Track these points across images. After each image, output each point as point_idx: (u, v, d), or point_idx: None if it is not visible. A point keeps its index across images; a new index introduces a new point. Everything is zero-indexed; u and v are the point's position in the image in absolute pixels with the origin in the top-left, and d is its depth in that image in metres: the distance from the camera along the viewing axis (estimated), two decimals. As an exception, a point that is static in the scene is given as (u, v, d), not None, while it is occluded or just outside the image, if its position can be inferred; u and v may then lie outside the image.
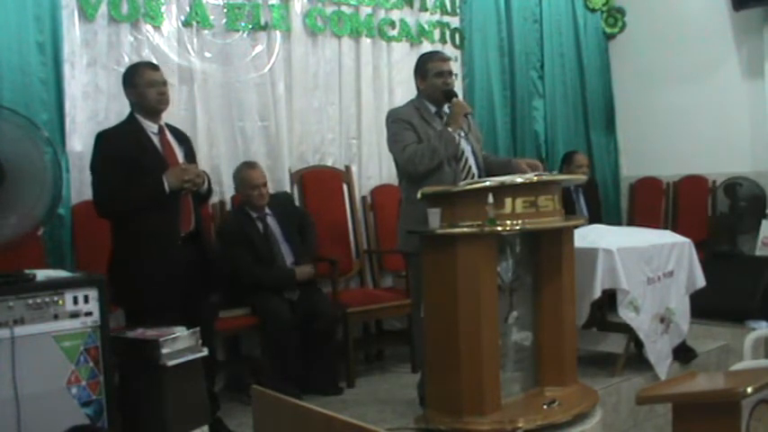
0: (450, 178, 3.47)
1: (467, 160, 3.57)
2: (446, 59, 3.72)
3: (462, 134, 3.51)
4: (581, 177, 4.45)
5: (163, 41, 4.26)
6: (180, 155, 3.47)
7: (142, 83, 3.37)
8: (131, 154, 3.29)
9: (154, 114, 3.42)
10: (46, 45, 3.80)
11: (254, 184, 4.10)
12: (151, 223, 3.27)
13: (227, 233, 4.14)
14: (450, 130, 3.46)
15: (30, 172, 3.33)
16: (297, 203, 4.56)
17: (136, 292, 3.27)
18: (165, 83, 3.45)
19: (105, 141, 3.34)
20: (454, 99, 3.54)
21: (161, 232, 3.29)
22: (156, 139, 3.40)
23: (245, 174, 4.14)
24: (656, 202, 6.14)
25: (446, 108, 3.60)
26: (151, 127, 3.41)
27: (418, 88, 3.68)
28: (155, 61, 4.09)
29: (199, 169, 3.48)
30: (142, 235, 3.27)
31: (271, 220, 4.19)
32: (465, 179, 3.50)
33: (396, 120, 3.58)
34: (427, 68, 3.61)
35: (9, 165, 3.20)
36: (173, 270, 3.28)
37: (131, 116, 3.42)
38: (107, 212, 3.35)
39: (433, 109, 3.63)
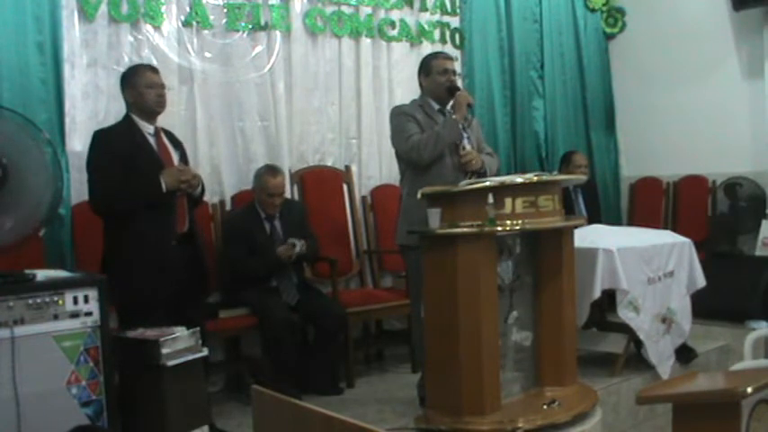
0: (453, 171, 3.50)
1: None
2: (450, 59, 3.80)
3: (463, 127, 3.54)
4: (581, 177, 4.45)
5: (163, 41, 4.26)
6: (175, 157, 3.49)
7: (141, 83, 3.38)
8: (127, 153, 3.30)
9: (150, 116, 3.43)
10: (46, 45, 3.80)
11: (270, 192, 4.12)
12: (146, 223, 3.27)
13: (229, 227, 4.17)
14: (454, 118, 3.51)
15: (32, 173, 3.34)
16: (307, 220, 4.47)
17: (129, 292, 3.25)
18: (163, 86, 3.47)
19: (102, 140, 3.36)
20: (458, 92, 3.59)
21: (156, 232, 3.29)
22: (152, 140, 3.42)
23: (265, 180, 4.14)
24: (656, 202, 6.14)
25: (449, 106, 3.64)
26: (147, 128, 3.42)
27: (421, 86, 3.76)
28: (155, 61, 4.12)
29: (194, 171, 3.50)
30: (137, 234, 3.26)
31: (278, 224, 4.20)
32: (466, 175, 3.52)
33: (399, 113, 3.66)
34: (432, 66, 3.69)
35: (12, 165, 3.20)
36: (166, 270, 3.29)
37: (127, 116, 3.43)
38: (103, 211, 3.35)
39: (436, 106, 3.69)
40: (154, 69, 3.52)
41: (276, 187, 4.14)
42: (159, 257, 3.28)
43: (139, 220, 3.27)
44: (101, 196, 3.32)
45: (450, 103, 3.62)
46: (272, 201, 4.13)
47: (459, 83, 4.01)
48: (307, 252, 4.14)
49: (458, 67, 5.35)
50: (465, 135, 3.61)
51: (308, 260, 4.32)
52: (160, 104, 3.44)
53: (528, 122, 5.92)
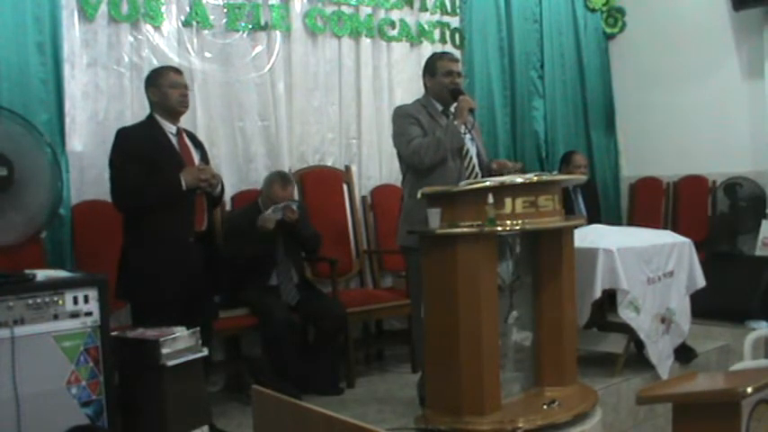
0: (455, 174, 3.50)
1: (471, 158, 3.60)
2: (455, 60, 3.80)
3: (465, 131, 3.54)
4: (581, 177, 4.45)
5: (163, 41, 4.26)
6: (196, 157, 3.54)
7: (165, 84, 3.44)
8: (149, 151, 3.35)
9: (173, 115, 3.49)
10: (46, 45, 3.80)
11: (277, 202, 4.10)
12: (166, 221, 3.32)
13: (230, 226, 4.16)
14: (455, 123, 3.50)
15: (34, 174, 3.35)
16: (308, 220, 4.44)
17: (145, 288, 3.30)
18: (186, 86, 3.54)
19: (125, 138, 3.40)
20: (461, 96, 3.58)
21: (175, 230, 3.34)
22: (174, 140, 3.47)
23: (275, 190, 4.14)
24: (656, 202, 6.14)
25: (453, 108, 3.63)
26: (170, 128, 3.47)
27: (426, 86, 3.74)
28: (155, 61, 4.13)
29: (214, 171, 3.54)
30: (156, 232, 3.32)
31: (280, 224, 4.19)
32: (469, 176, 3.53)
33: (402, 115, 3.64)
34: (437, 67, 3.68)
35: (18, 166, 3.21)
36: (184, 268, 3.34)
37: (151, 116, 3.48)
38: (124, 207, 3.39)
39: (439, 107, 3.68)
40: (177, 71, 3.57)
41: (285, 198, 4.14)
42: (177, 254, 3.32)
43: (159, 218, 3.32)
44: (122, 193, 3.35)
45: (454, 105, 3.62)
46: None
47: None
48: (303, 231, 4.09)
49: (457, 67, 5.38)
50: (469, 137, 3.60)
51: (307, 243, 4.26)
52: (183, 104, 3.50)
53: (528, 122, 5.92)
